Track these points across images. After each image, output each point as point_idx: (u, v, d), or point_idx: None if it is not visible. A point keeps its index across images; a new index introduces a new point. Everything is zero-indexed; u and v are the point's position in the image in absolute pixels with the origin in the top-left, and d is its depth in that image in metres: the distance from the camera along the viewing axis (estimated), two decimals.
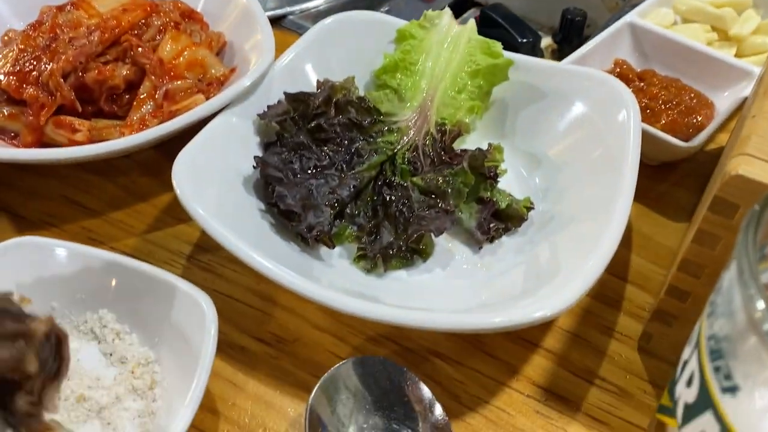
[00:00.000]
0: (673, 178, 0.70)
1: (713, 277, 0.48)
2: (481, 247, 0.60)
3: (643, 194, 0.68)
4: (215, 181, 0.58)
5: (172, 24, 0.71)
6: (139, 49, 0.68)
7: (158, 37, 0.70)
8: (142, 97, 0.67)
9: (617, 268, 0.61)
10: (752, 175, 0.42)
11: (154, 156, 0.71)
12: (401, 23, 0.73)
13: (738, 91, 0.73)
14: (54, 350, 0.39)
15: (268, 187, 0.59)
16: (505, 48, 0.91)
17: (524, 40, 0.90)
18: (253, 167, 0.61)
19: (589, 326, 0.58)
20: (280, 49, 0.86)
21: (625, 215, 0.54)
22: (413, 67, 0.70)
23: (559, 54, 0.98)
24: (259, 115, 0.65)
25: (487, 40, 0.70)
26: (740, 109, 0.71)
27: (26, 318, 0.39)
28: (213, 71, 0.71)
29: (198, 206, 0.53)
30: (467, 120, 0.67)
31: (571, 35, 0.96)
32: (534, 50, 0.91)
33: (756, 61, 0.79)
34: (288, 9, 0.91)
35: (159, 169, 0.69)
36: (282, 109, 0.66)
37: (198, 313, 0.50)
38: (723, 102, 0.74)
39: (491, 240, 0.61)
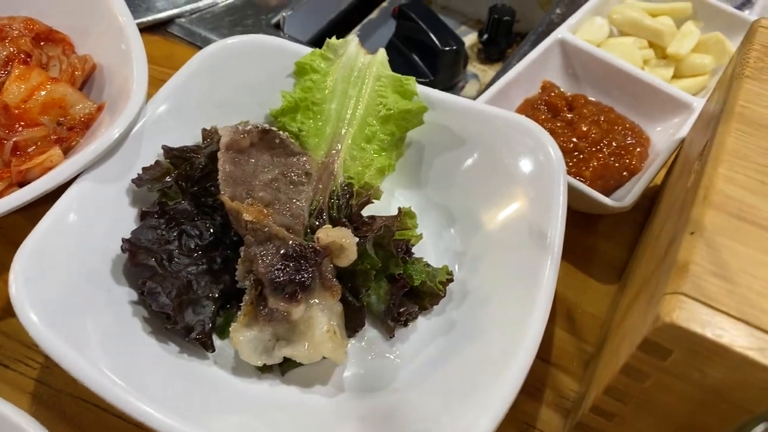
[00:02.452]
0: (602, 228, 0.65)
1: (643, 406, 0.43)
2: (392, 336, 0.53)
3: (569, 249, 0.61)
4: (72, 274, 0.49)
5: (21, 55, 0.59)
6: None
7: (3, 73, 0.58)
8: None
9: (540, 348, 0.56)
10: (689, 324, 0.35)
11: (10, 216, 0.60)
12: (301, 52, 0.62)
13: (676, 125, 0.67)
14: None
15: (139, 278, 0.50)
16: (426, 54, 0.83)
17: (446, 48, 0.81)
18: (122, 250, 0.51)
19: (506, 423, 0.52)
20: (166, 64, 0.75)
21: (547, 311, 0.49)
22: (316, 108, 0.61)
23: (485, 55, 0.90)
24: (133, 181, 0.55)
25: (399, 76, 0.61)
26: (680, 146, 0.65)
27: None
28: (76, 110, 0.60)
29: (40, 321, 0.44)
30: (378, 182, 0.59)
31: (498, 36, 0.87)
32: (457, 57, 0.82)
33: (695, 84, 0.72)
34: (176, 10, 0.79)
35: (15, 232, 0.58)
36: (160, 170, 0.56)
37: None
38: (660, 136, 0.68)
39: (405, 324, 0.54)
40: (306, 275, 0.47)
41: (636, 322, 0.42)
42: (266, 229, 0.49)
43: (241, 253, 0.50)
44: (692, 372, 0.38)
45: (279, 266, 0.48)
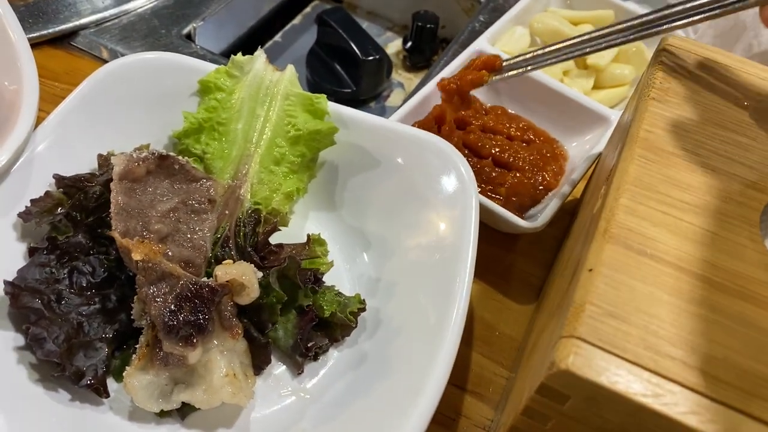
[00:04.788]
0: (520, 246, 0.64)
1: None
2: (301, 372, 0.51)
3: (487, 268, 0.61)
4: None
5: None
6: None
7: None
8: None
9: (455, 373, 0.54)
10: (583, 370, 0.34)
11: None
12: (206, 69, 0.59)
13: (593, 140, 0.66)
14: None
15: (23, 323, 0.47)
16: (348, 63, 0.81)
17: (368, 59, 0.78)
18: (4, 292, 0.48)
19: None
20: (69, 80, 0.71)
21: (456, 343, 0.47)
22: (221, 129, 0.58)
23: (411, 62, 0.88)
24: (20, 215, 0.51)
25: (310, 95, 0.58)
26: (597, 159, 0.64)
27: None
28: None
29: None
30: (286, 207, 0.56)
31: (422, 43, 0.85)
32: (380, 66, 0.80)
33: (615, 95, 0.72)
34: (80, 21, 0.74)
35: None
36: (51, 201, 0.52)
37: None
38: (577, 150, 0.67)
39: (315, 358, 0.52)
40: (202, 317, 0.45)
41: (538, 362, 0.41)
42: (158, 267, 0.46)
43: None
44: (591, 416, 0.37)
45: (172, 308, 0.45)
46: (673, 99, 0.49)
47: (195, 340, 0.44)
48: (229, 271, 0.47)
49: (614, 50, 0.73)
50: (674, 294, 0.38)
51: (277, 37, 0.89)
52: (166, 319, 0.44)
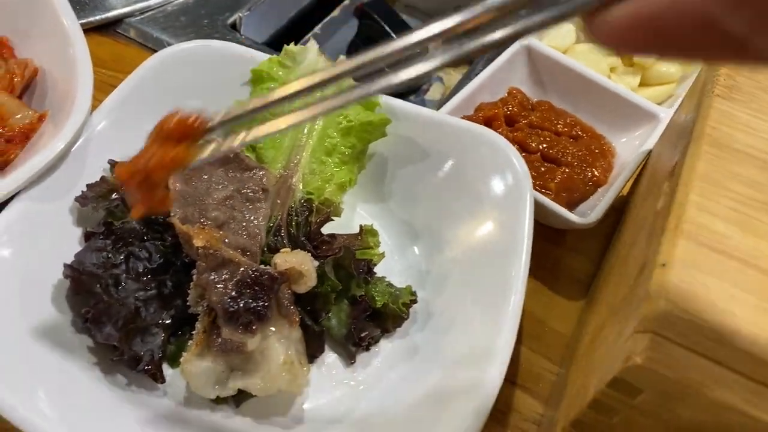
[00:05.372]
0: (568, 241, 0.63)
1: None
2: (353, 362, 0.51)
3: (536, 263, 0.60)
4: (7, 308, 0.45)
5: None
6: None
7: None
8: None
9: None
10: (660, 365, 0.34)
11: None
12: (258, 58, 0.59)
13: (642, 136, 0.66)
14: None
15: (83, 306, 0.47)
16: None
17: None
18: (64, 276, 0.48)
19: None
20: (116, 67, 0.71)
21: (513, 338, 0.47)
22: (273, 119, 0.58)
23: None
24: (77, 199, 0.51)
25: None
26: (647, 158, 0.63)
27: None
28: (15, 120, 0.56)
29: None
30: (338, 198, 0.56)
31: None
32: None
33: (661, 93, 0.71)
34: (126, 9, 0.74)
35: None
36: (107, 186, 0.52)
37: None
38: (625, 147, 0.67)
39: (367, 348, 0.52)
40: (262, 304, 0.45)
41: (605, 356, 0.40)
42: (219, 254, 0.46)
43: (194, 277, 0.47)
44: (663, 411, 0.36)
45: (233, 294, 0.45)
46: (738, 96, 0.48)
47: (255, 327, 0.44)
48: (289, 259, 0.47)
49: None
50: (749, 291, 0.37)
51: (317, 29, 0.89)
52: (227, 306, 0.45)
